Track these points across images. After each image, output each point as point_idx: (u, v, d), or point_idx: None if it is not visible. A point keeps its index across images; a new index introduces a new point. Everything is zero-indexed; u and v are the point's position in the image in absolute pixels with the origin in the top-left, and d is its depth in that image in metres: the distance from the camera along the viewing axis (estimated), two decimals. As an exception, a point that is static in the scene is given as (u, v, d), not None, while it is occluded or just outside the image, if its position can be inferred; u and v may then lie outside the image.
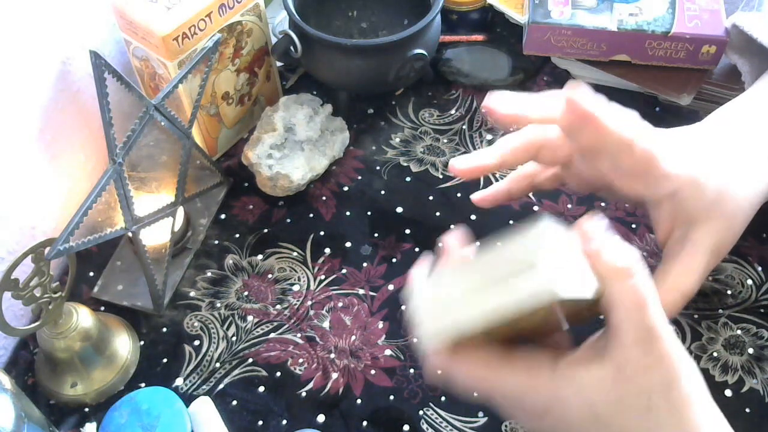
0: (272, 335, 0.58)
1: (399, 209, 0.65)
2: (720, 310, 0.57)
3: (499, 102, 0.45)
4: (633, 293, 0.35)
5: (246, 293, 0.60)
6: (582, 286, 0.35)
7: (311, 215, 0.65)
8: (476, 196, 0.54)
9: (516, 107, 0.45)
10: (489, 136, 0.70)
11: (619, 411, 0.35)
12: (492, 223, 0.63)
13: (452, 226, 0.63)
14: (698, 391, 0.36)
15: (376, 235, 0.63)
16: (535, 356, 0.38)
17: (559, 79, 0.74)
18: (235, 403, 0.54)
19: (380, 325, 0.58)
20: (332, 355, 0.56)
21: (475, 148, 0.69)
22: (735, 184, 0.47)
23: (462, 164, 0.49)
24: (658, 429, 0.35)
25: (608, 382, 0.35)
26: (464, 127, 0.71)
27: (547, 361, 0.37)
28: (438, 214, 0.64)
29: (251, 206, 0.66)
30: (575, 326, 0.39)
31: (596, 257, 0.36)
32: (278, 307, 0.59)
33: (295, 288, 0.60)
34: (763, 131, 0.50)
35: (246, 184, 0.67)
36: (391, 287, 0.60)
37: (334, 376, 0.55)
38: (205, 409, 0.53)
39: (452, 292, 0.36)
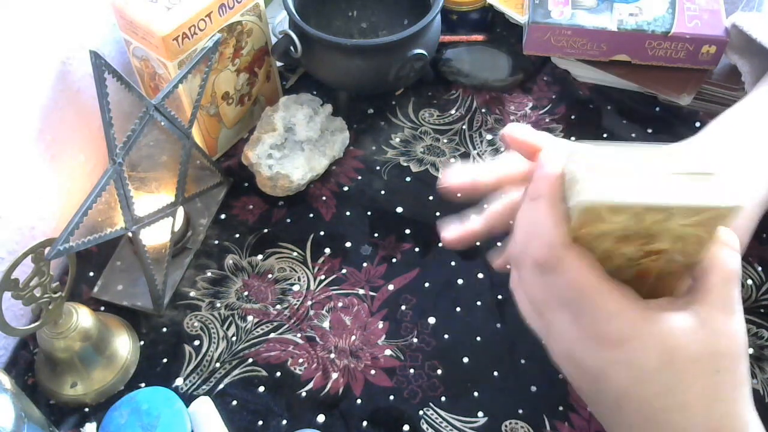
0: (272, 335, 0.58)
1: (399, 209, 0.65)
2: (720, 310, 0.57)
3: (451, 174, 0.47)
4: (732, 262, 0.37)
5: (246, 293, 0.60)
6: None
7: (311, 215, 0.65)
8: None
9: (468, 176, 0.47)
10: (489, 136, 0.70)
11: (690, 365, 0.36)
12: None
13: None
14: (749, 381, 0.37)
15: (376, 235, 0.63)
16: (628, 289, 0.38)
17: (559, 79, 0.74)
18: (235, 403, 0.54)
19: (380, 325, 0.58)
20: (332, 355, 0.56)
21: (475, 148, 0.69)
22: None
23: (451, 233, 0.49)
24: (718, 396, 0.36)
25: (689, 334, 0.36)
26: (464, 127, 0.71)
27: (637, 297, 0.38)
28: (438, 214, 0.64)
29: (251, 206, 0.66)
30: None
31: None
32: (278, 307, 0.59)
33: (295, 288, 0.60)
34: (762, 138, 0.50)
35: (246, 184, 0.67)
36: (391, 287, 0.60)
37: (334, 376, 0.55)
38: (205, 409, 0.53)
39: (630, 163, 0.35)
